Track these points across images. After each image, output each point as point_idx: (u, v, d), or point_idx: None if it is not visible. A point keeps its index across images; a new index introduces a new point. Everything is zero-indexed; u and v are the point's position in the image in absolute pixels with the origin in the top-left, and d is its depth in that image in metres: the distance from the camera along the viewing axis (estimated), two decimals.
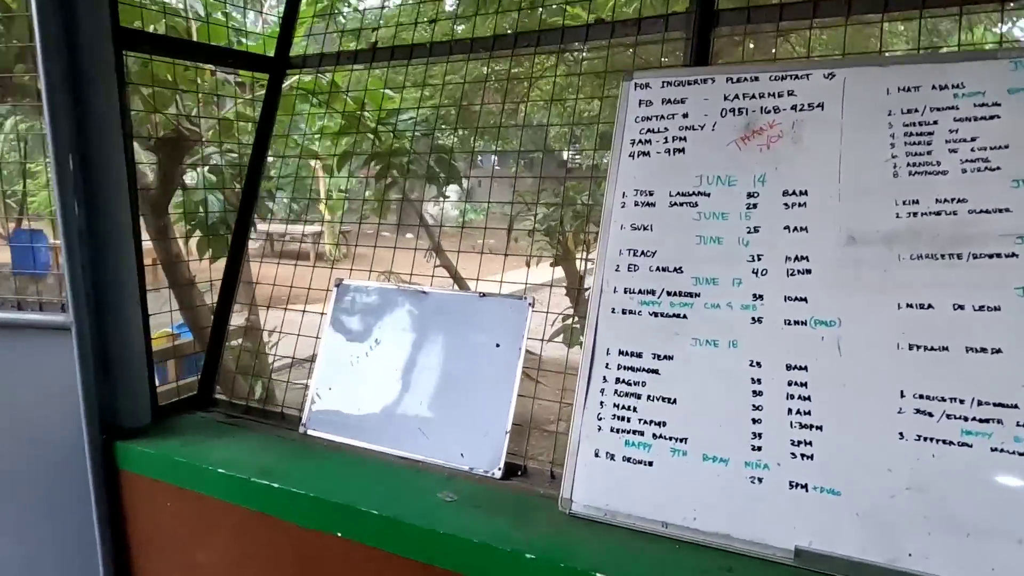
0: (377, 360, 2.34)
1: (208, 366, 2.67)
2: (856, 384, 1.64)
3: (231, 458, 2.19)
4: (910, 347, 1.62)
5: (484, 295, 2.26)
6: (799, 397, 1.68)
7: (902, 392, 1.60)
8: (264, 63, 2.87)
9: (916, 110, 1.76)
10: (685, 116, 2.00)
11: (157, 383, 2.49)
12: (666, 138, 2.00)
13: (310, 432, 2.37)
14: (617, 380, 1.87)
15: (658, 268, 1.91)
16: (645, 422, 1.81)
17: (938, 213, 1.67)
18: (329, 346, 2.44)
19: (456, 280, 4.55)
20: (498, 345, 2.18)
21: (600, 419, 1.86)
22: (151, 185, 3.78)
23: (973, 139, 1.69)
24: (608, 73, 2.52)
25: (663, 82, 2.06)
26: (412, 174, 4.23)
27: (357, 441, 2.28)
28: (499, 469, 2.05)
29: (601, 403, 1.87)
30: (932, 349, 1.60)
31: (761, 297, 1.78)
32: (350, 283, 2.49)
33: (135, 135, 2.65)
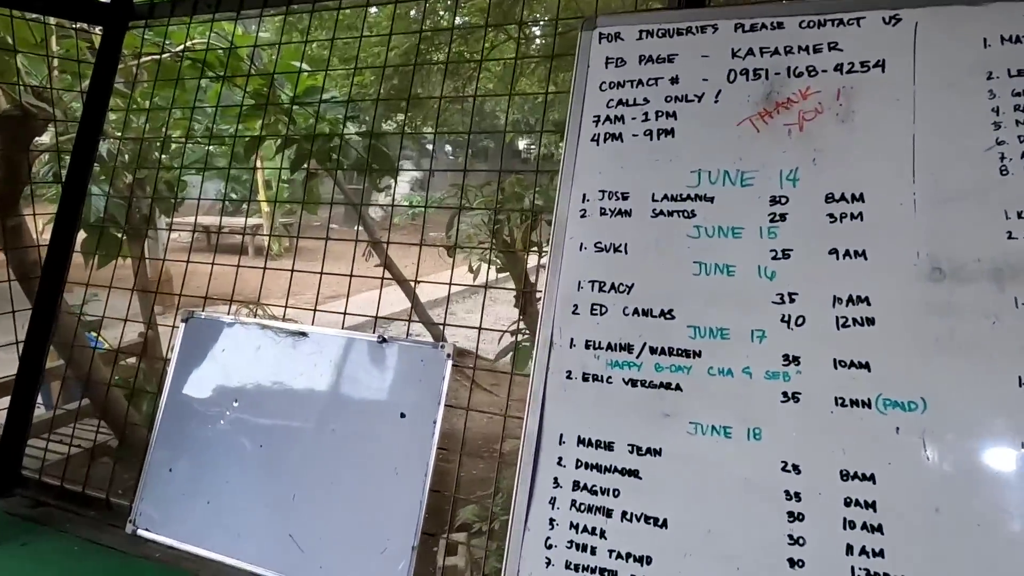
0: (235, 432, 1.63)
1: (10, 430, 1.91)
2: (957, 509, 1.02)
3: None
4: None
5: (385, 340, 1.57)
6: (864, 527, 1.05)
7: None
8: (97, 12, 2.10)
9: None
10: (674, 81, 1.35)
11: None
12: (646, 114, 1.35)
13: (140, 532, 1.65)
14: (575, 485, 1.22)
15: (637, 311, 1.26)
16: (619, 556, 1.16)
17: None
18: (171, 408, 1.72)
19: (400, 283, 3.83)
20: (403, 415, 1.50)
21: (549, 547, 1.20)
22: None
23: None
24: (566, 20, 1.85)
25: (641, 31, 1.39)
26: (336, 164, 3.48)
27: (203, 550, 1.58)
28: None
29: (551, 522, 1.21)
30: None
31: (797, 360, 1.15)
32: (203, 316, 1.77)
33: None
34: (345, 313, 1.72)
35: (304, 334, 1.65)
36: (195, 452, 1.66)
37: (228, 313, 1.83)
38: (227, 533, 1.56)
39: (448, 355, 1.50)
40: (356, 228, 2.71)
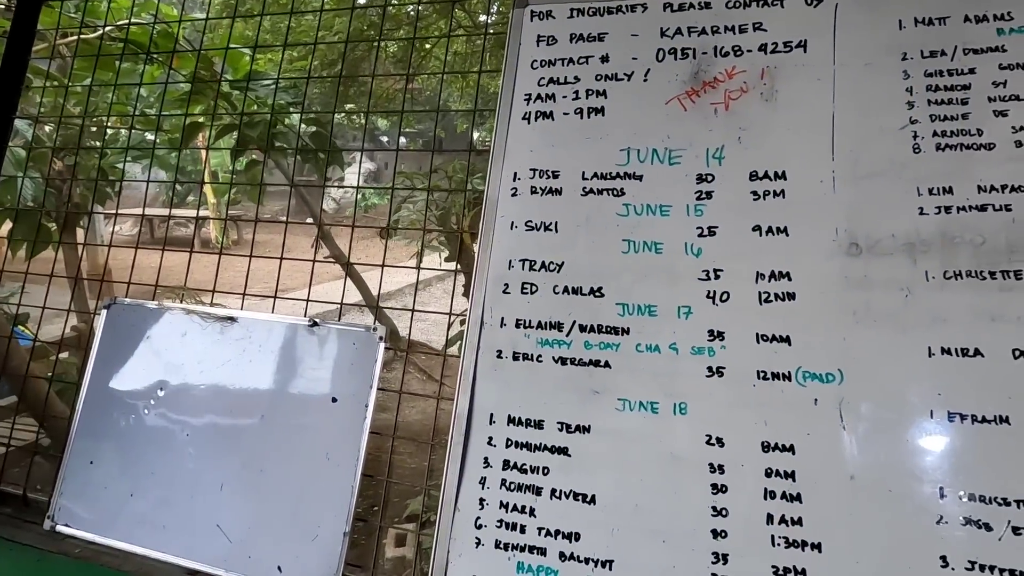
0: (159, 421, 1.57)
1: None
2: (871, 476, 1.04)
3: None
4: (950, 417, 1.04)
5: (316, 323, 1.53)
6: (784, 496, 1.07)
7: (942, 490, 1.01)
8: None
9: (944, 52, 1.17)
10: (605, 60, 1.34)
11: None
12: (577, 92, 1.34)
13: (59, 528, 1.58)
14: (505, 464, 1.21)
15: (567, 289, 1.25)
16: (548, 533, 1.16)
17: (983, 207, 1.10)
18: (93, 398, 1.65)
19: (349, 275, 3.76)
20: (335, 400, 1.46)
21: (479, 526, 1.19)
22: None
23: None
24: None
25: (572, 10, 1.39)
26: (279, 152, 3.40)
27: (127, 544, 1.51)
28: None
29: (481, 501, 1.20)
30: (985, 421, 1.02)
31: (721, 336, 1.16)
32: (126, 302, 1.70)
33: None
34: (275, 297, 1.67)
35: (232, 319, 1.59)
36: (118, 443, 1.59)
37: (153, 299, 1.76)
38: (152, 526, 1.50)
39: (381, 338, 1.47)
40: (287, 216, 2.65)
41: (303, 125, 3.87)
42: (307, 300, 1.68)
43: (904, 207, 1.13)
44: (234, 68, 3.12)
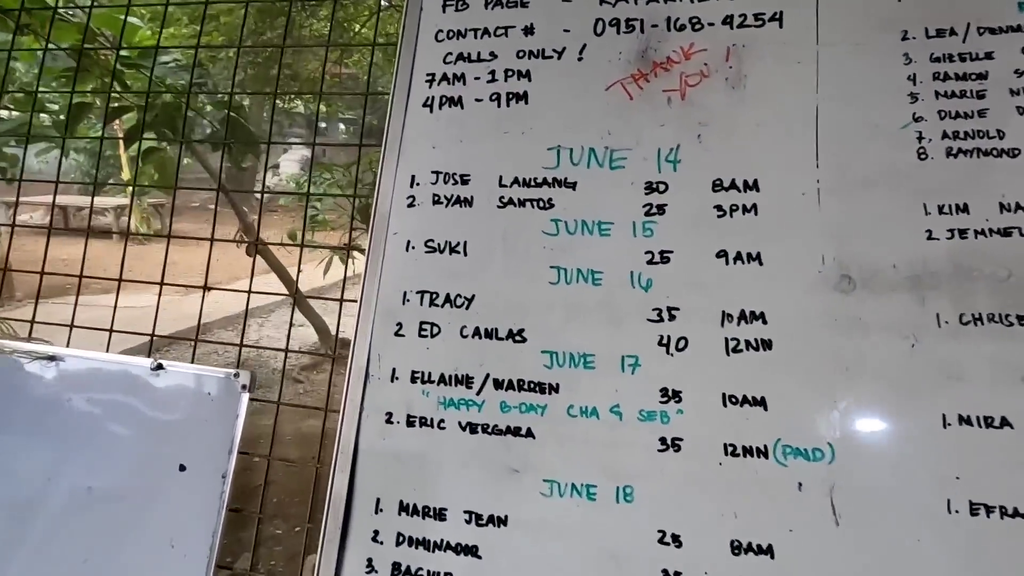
0: None
1: None
2: None
3: None
4: (972, 509, 0.79)
5: (161, 367, 1.18)
6: None
7: None
8: None
9: (954, 31, 0.92)
10: (528, 32, 1.04)
11: None
12: (493, 72, 1.04)
13: None
14: (395, 569, 0.90)
15: (478, 332, 0.95)
16: None
17: (1006, 231, 0.85)
18: None
19: (280, 276, 3.34)
20: (183, 468, 1.13)
21: None
22: None
23: None
24: None
25: None
26: (183, 137, 2.96)
27: None
28: None
29: None
30: (1018, 515, 0.78)
31: (678, 396, 0.88)
32: None
33: None
34: (112, 331, 1.31)
35: (54, 358, 1.23)
36: None
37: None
38: None
39: (244, 387, 1.14)
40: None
41: (210, 108, 3.43)
42: (153, 335, 1.32)
43: (908, 229, 0.87)
44: (129, 43, 2.67)
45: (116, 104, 2.60)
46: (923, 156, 0.89)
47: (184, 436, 1.15)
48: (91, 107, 2.87)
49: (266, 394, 3.53)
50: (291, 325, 1.26)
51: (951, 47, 0.91)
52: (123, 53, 2.50)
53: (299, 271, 1.26)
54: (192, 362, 1.30)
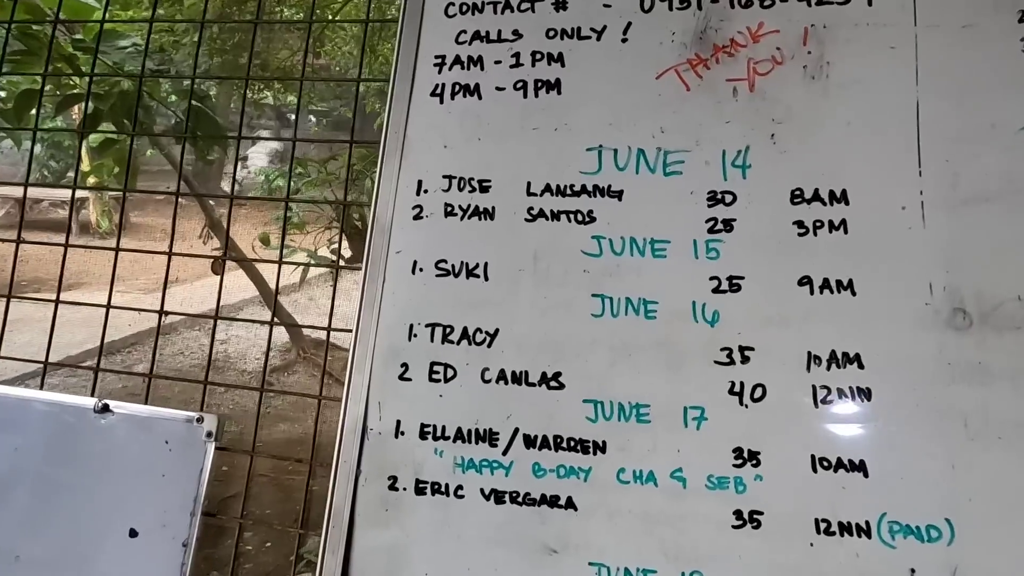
0: None
1: None
2: None
3: None
4: None
5: (108, 408, 0.97)
6: None
7: None
8: None
9: None
10: (560, 6, 0.86)
11: None
12: (517, 55, 0.85)
13: None
14: None
15: (503, 376, 0.77)
16: None
17: None
18: None
19: (256, 284, 3.09)
20: (134, 534, 0.93)
21: None
22: None
23: None
24: None
25: None
26: (141, 126, 2.70)
27: None
28: None
29: None
30: None
31: (755, 458, 0.71)
32: None
33: None
34: (46, 365, 1.09)
35: None
36: None
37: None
38: None
39: (209, 434, 0.94)
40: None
41: (174, 98, 3.17)
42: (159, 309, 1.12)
43: None
44: (84, 27, 2.41)
45: (70, 92, 2.35)
46: None
47: (135, 494, 0.94)
48: (38, 94, 2.60)
49: (237, 400, 3.30)
50: (267, 358, 1.05)
51: None
52: (78, 37, 2.25)
53: (276, 292, 1.06)
54: (146, 399, 1.09)
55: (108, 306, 1.04)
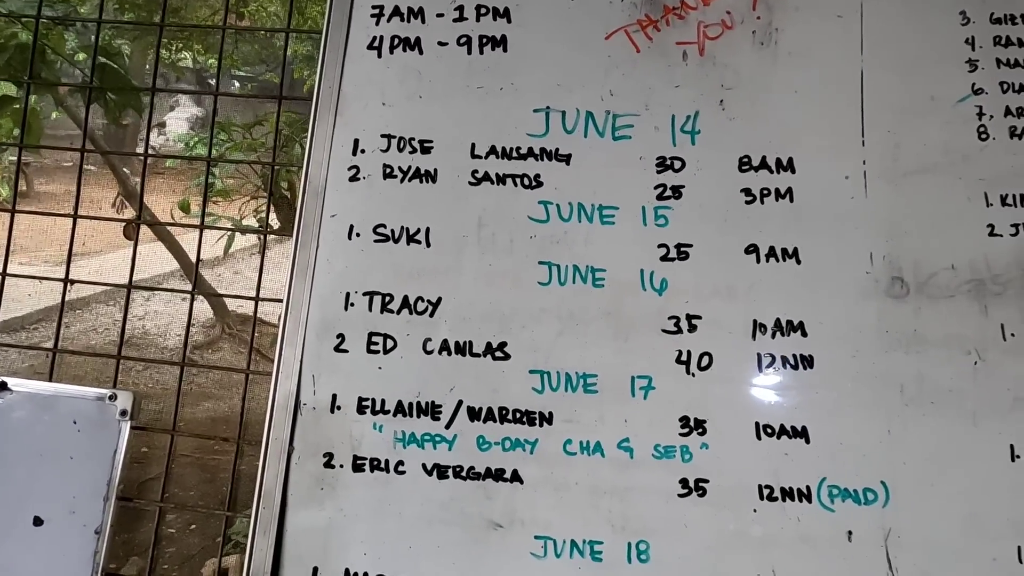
0: None
1: None
2: None
3: None
4: None
5: (6, 387, 0.89)
6: None
7: None
8: None
9: None
10: None
11: None
12: (461, 9, 0.81)
13: None
14: None
15: (446, 346, 0.74)
16: None
17: None
18: None
19: (175, 254, 2.89)
20: (39, 521, 0.85)
21: None
22: None
23: None
24: None
25: None
26: (48, 88, 2.47)
27: None
28: None
29: None
30: None
31: (701, 427, 0.71)
32: None
33: None
34: None
35: None
36: None
37: None
38: None
39: (124, 412, 0.86)
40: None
41: (83, 56, 2.92)
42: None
43: (968, 223, 0.73)
44: None
45: None
46: (984, 136, 0.75)
47: (39, 480, 0.86)
48: None
49: (157, 378, 3.13)
50: (188, 330, 0.97)
51: (1015, 6, 0.77)
52: None
53: (198, 261, 0.98)
54: (51, 375, 1.00)
55: (3, 274, 0.93)
